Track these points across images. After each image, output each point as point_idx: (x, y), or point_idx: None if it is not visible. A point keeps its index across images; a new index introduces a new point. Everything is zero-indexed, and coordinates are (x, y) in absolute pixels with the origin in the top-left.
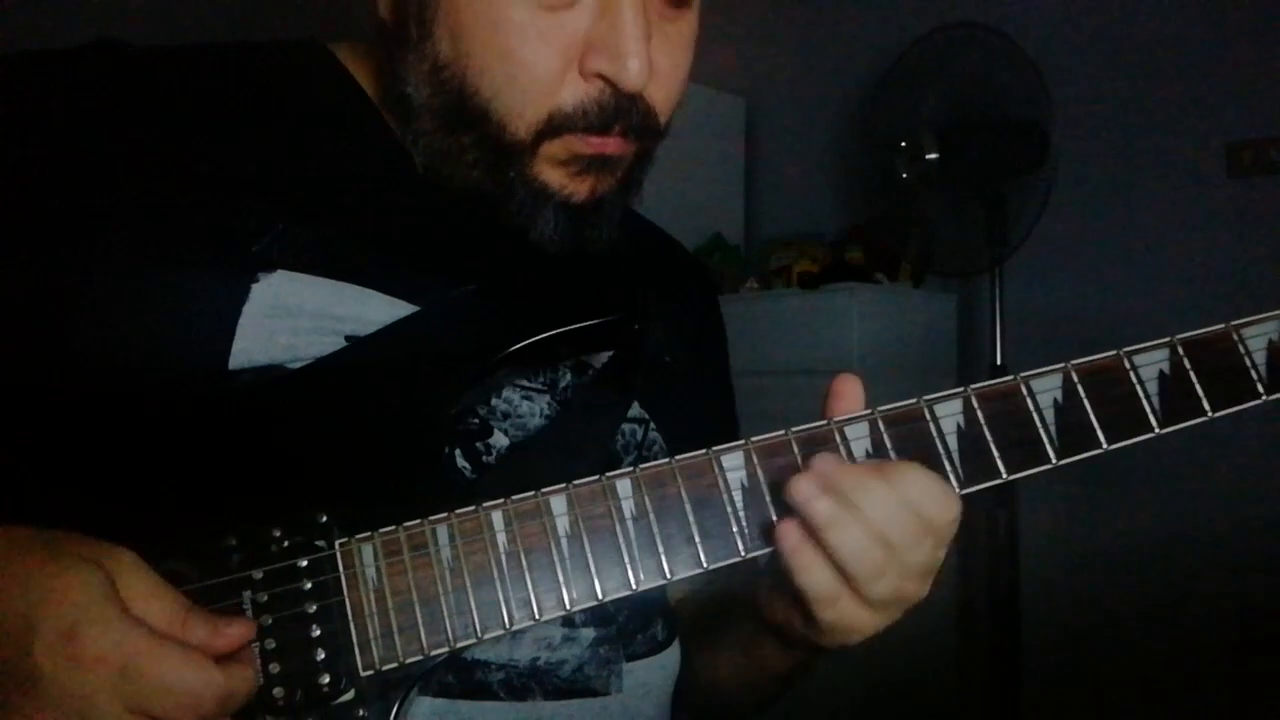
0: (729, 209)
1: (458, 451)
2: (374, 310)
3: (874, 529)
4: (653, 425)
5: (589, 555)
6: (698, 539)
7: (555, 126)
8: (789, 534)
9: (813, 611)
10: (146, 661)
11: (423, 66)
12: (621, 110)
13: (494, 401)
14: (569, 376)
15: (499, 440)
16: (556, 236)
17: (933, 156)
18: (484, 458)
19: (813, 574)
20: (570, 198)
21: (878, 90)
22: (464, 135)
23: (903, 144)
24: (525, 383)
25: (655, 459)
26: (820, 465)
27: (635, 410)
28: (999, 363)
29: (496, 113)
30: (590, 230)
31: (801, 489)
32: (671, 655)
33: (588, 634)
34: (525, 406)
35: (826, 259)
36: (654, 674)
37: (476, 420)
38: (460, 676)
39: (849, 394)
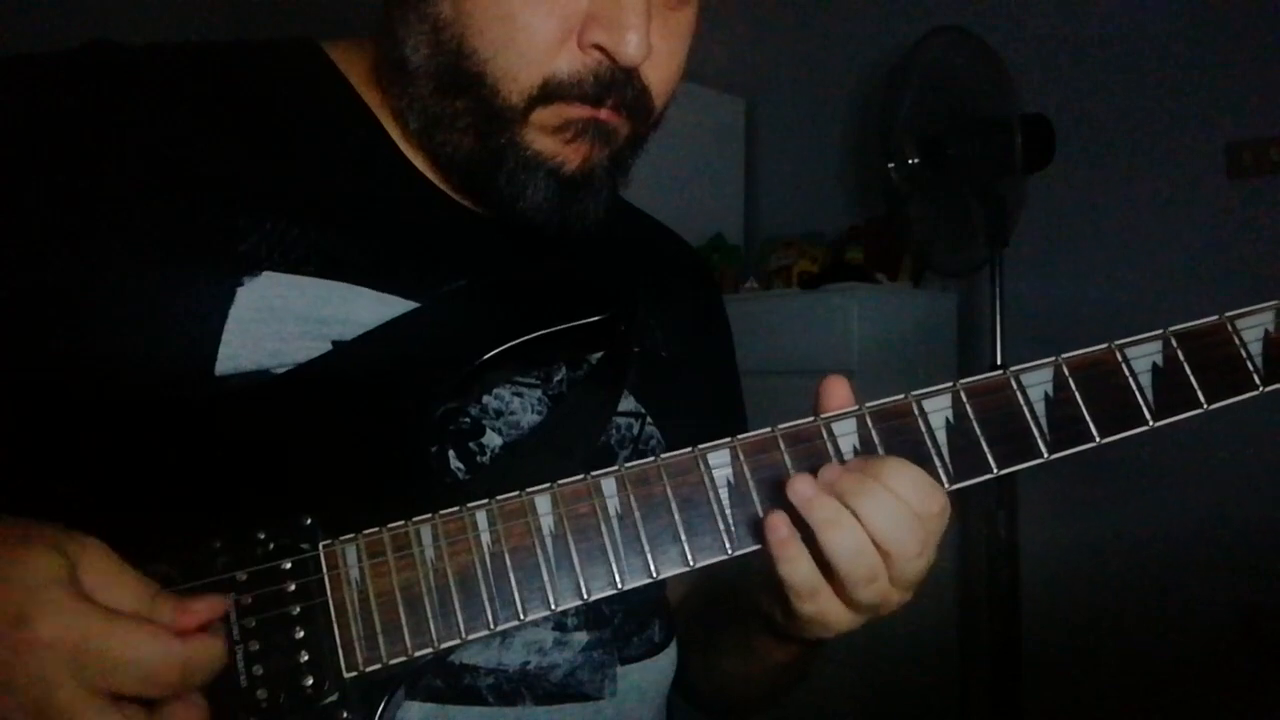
0: (729, 209)
1: (451, 452)
2: (363, 309)
3: (873, 534)
4: (649, 420)
5: (574, 555)
6: (684, 537)
7: (548, 94)
8: (778, 526)
9: (791, 604)
10: (100, 639)
11: (423, 26)
12: (616, 84)
13: (485, 399)
14: (563, 371)
15: (492, 439)
16: (544, 206)
17: (923, 159)
18: (478, 458)
19: (796, 565)
20: (561, 166)
21: (875, 92)
22: (458, 99)
23: (899, 145)
24: (518, 378)
25: (651, 454)
26: (823, 473)
27: (631, 405)
28: (999, 362)
29: (491, 75)
30: (578, 204)
31: (801, 488)
32: (667, 657)
33: (580, 638)
34: (516, 403)
35: (826, 259)
36: (649, 676)
37: (468, 419)
38: (449, 681)
39: (837, 396)
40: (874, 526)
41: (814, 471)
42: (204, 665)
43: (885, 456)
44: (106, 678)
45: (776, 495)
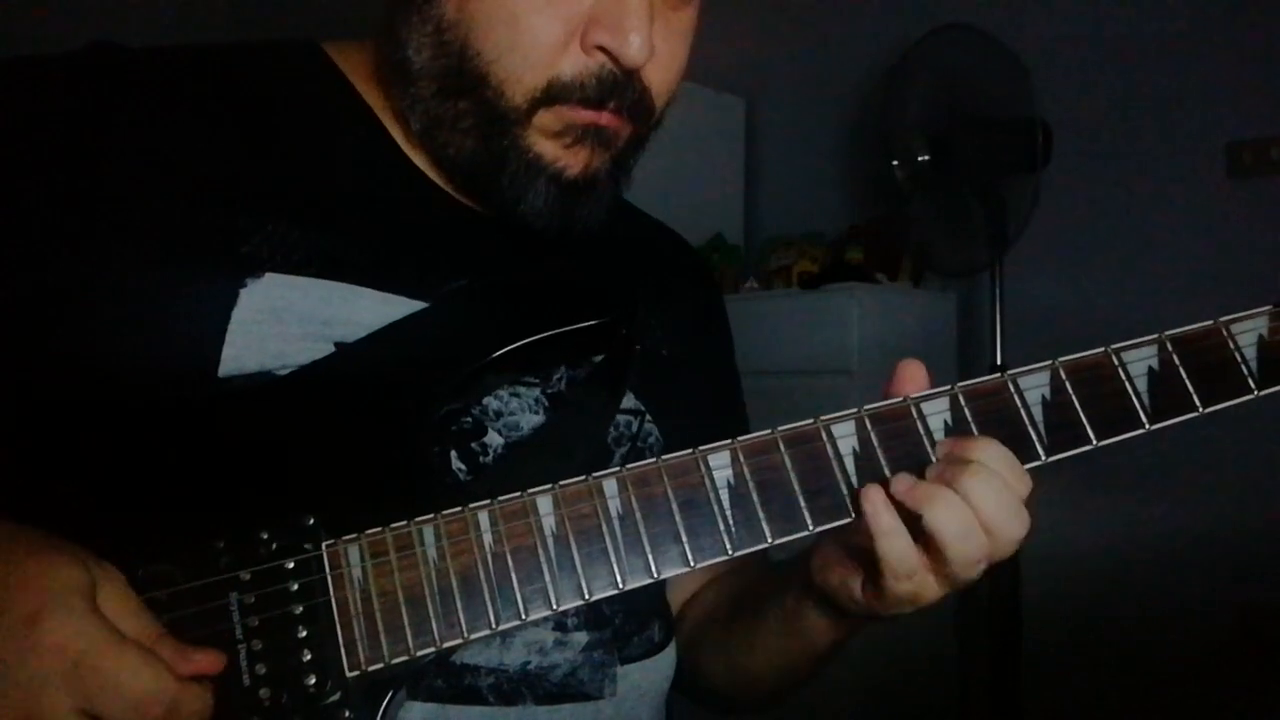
0: (729, 209)
1: (453, 453)
2: (365, 309)
3: (981, 515)
4: (648, 418)
5: (575, 555)
6: (684, 538)
7: (552, 96)
8: (874, 498)
9: (885, 581)
10: (102, 657)
11: (426, 28)
12: (619, 86)
13: (485, 400)
14: (562, 371)
15: (494, 439)
16: (546, 210)
17: (924, 158)
18: (480, 458)
19: (894, 542)
20: (563, 171)
21: (875, 92)
22: (461, 100)
23: (900, 145)
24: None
25: (650, 451)
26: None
27: (630, 402)
28: (999, 362)
29: (495, 77)
30: (580, 208)
31: (900, 480)
32: (667, 657)
33: (580, 638)
34: (514, 403)
35: (826, 259)
36: (649, 676)
37: (469, 420)
38: (450, 681)
39: (914, 378)
40: (982, 508)
41: (815, 477)
42: (191, 711)
43: (979, 437)
44: (97, 697)
45: (777, 497)
